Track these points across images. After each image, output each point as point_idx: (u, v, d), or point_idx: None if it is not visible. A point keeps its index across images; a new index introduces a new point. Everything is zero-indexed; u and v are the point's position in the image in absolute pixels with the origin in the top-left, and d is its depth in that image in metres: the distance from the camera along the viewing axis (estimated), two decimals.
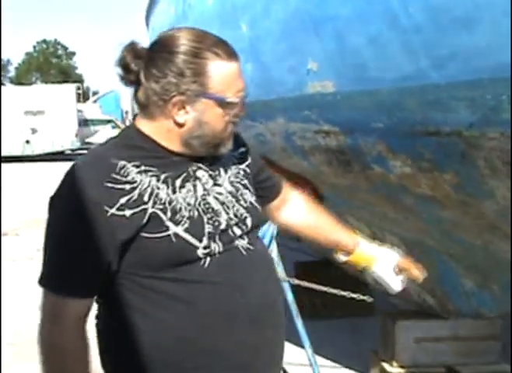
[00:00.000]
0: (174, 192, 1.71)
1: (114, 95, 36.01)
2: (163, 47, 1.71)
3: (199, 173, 1.78)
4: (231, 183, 1.84)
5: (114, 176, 1.66)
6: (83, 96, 36.78)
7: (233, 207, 1.80)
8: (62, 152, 28.72)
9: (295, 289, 4.21)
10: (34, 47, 79.49)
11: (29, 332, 4.20)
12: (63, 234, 1.68)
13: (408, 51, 2.33)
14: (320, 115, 3.00)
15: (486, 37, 2.05)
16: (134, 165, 1.70)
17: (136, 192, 1.67)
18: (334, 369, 4.64)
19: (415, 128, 2.56)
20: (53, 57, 78.75)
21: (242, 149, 1.96)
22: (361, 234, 2.24)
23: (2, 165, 21.27)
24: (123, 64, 1.73)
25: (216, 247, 1.72)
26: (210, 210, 1.75)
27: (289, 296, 3.99)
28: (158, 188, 1.69)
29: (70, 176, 1.70)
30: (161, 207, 1.68)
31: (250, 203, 1.86)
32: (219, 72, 1.69)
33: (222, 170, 1.84)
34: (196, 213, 1.72)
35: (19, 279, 7.08)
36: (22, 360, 4.73)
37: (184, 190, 1.73)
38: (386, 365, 4.19)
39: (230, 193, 1.82)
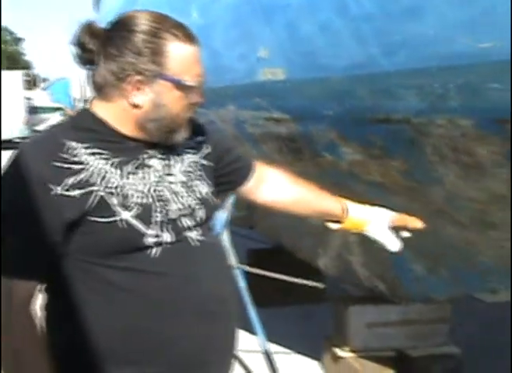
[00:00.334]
0: (125, 177, 1.68)
1: (64, 82, 35.41)
2: (121, 26, 1.68)
3: (152, 161, 1.75)
4: (185, 173, 1.81)
5: (62, 155, 1.63)
6: (33, 83, 36.06)
7: (185, 197, 1.78)
8: (10, 141, 28.22)
9: (247, 276, 4.22)
10: None
11: None
12: (7, 214, 1.64)
13: (358, 39, 2.35)
14: (271, 102, 3.00)
15: (434, 26, 2.07)
16: (84, 147, 1.66)
17: (85, 173, 1.64)
18: (287, 355, 4.67)
19: (365, 115, 2.58)
20: None
21: (200, 138, 1.93)
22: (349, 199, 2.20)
23: None
24: (79, 43, 1.70)
25: (166, 236, 1.70)
26: (161, 198, 1.72)
27: (242, 283, 4.00)
28: (108, 172, 1.66)
29: (16, 156, 1.67)
30: (111, 191, 1.65)
31: (204, 194, 1.84)
32: (178, 54, 1.67)
33: (176, 159, 1.81)
34: (146, 200, 1.69)
35: None
36: None
37: (135, 177, 1.70)
38: (338, 350, 4.25)
39: (183, 183, 1.79)
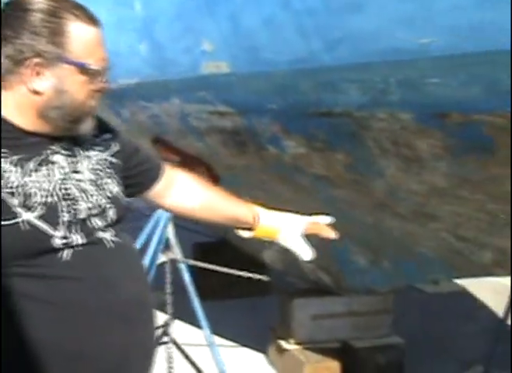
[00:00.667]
0: (27, 175, 1.55)
1: None
2: (17, 6, 1.55)
3: (57, 157, 1.61)
4: (93, 170, 1.68)
5: None
6: None
7: (95, 196, 1.65)
8: None
9: (193, 270, 4.22)
10: None
11: None
12: None
13: (301, 34, 2.36)
14: (215, 96, 3.00)
15: (375, 22, 2.10)
16: None
17: None
18: (232, 348, 4.68)
19: (308, 109, 2.60)
20: None
21: (107, 136, 1.79)
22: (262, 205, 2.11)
23: None
24: None
25: (76, 238, 1.58)
26: (68, 197, 1.59)
27: (187, 277, 4.00)
28: (7, 171, 1.53)
29: None
30: (11, 191, 1.51)
31: (114, 193, 1.71)
32: (79, 35, 1.55)
33: (83, 156, 1.67)
34: (51, 199, 1.56)
35: None
36: None
37: (39, 174, 1.56)
38: (283, 342, 4.28)
39: (92, 181, 1.66)
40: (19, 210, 1.51)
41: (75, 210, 1.59)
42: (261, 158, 3.23)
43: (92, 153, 1.71)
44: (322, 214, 2.09)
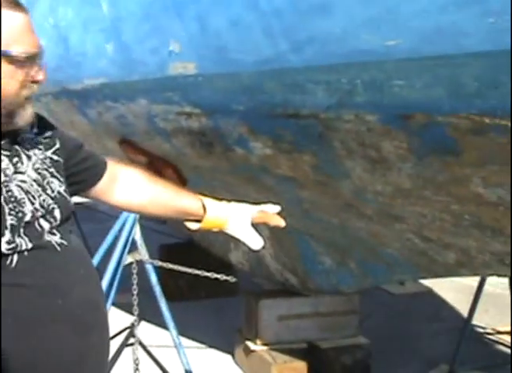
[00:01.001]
0: None
1: None
2: None
3: None
4: (36, 170, 1.61)
5: None
6: None
7: (40, 196, 1.58)
8: None
9: (159, 271, 4.21)
10: None
11: None
12: None
13: (268, 35, 2.37)
14: (183, 97, 3.00)
15: (342, 23, 2.12)
16: None
17: None
18: (199, 349, 4.69)
19: (275, 110, 2.61)
20: None
21: (47, 133, 1.72)
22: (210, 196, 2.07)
23: None
24: None
25: (22, 242, 1.51)
26: (12, 199, 1.52)
27: (153, 278, 3.98)
28: None
29: None
30: None
31: (59, 192, 1.64)
32: (3, 21, 1.45)
33: (24, 156, 1.60)
34: None
35: None
36: None
37: None
38: (250, 343, 4.29)
39: (35, 181, 1.59)
40: None
41: (19, 212, 1.52)
42: (228, 159, 3.24)
43: (33, 152, 1.64)
44: (271, 202, 2.07)
